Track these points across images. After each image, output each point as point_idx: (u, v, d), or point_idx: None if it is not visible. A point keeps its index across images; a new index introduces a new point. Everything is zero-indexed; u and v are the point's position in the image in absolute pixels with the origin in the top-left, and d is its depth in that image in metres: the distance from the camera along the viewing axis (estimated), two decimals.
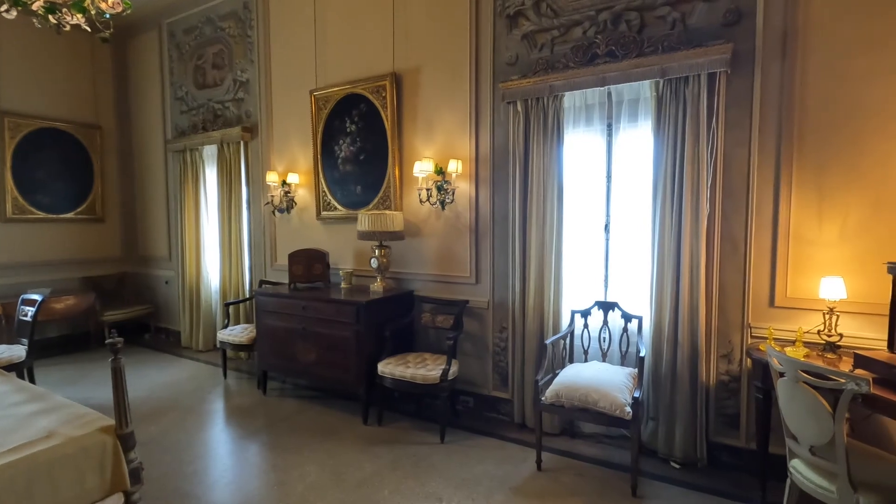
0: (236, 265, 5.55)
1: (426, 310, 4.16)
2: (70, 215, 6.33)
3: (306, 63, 4.90)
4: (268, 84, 5.26)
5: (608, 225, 3.54)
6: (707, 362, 3.13)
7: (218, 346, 5.05)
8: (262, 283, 5.21)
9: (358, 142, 4.58)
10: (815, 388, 2.15)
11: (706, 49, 2.95)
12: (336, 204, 4.78)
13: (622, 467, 3.10)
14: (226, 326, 5.09)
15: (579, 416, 3.07)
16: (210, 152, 5.80)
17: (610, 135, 3.49)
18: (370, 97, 4.42)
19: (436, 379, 3.53)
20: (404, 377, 3.60)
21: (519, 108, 3.62)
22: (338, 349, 3.97)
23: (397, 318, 4.11)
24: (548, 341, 3.37)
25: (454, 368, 3.70)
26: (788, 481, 2.42)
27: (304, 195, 5.07)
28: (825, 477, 2.19)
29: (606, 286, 3.59)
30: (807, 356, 2.62)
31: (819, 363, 2.39)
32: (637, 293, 3.43)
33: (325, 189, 4.84)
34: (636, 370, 3.16)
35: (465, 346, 4.08)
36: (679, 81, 3.08)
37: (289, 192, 5.08)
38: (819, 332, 2.74)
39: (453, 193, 4.02)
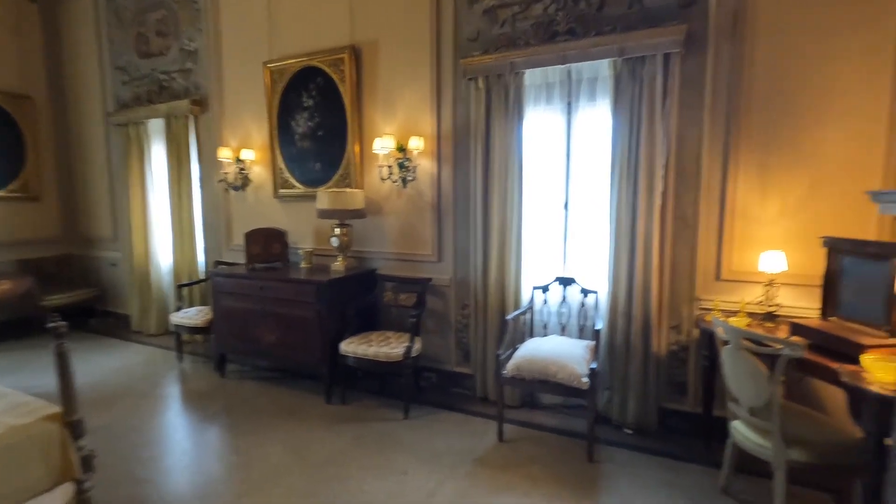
0: (189, 245, 5.32)
1: (389, 288, 4.15)
2: (1, 193, 5.87)
3: (259, 33, 4.67)
4: (218, 54, 4.98)
5: (567, 203, 3.62)
6: (658, 334, 3.28)
7: (172, 329, 4.87)
8: (217, 263, 5.04)
9: (316, 117, 4.44)
10: (755, 354, 2.30)
11: (662, 29, 3.01)
12: (294, 181, 4.64)
13: (579, 435, 3.24)
14: (179, 309, 4.91)
15: (539, 388, 3.17)
16: (157, 126, 5.48)
17: (569, 113, 3.53)
18: (328, 71, 4.28)
19: (399, 356, 3.55)
20: (367, 355, 3.60)
21: (480, 85, 3.60)
22: (299, 329, 3.91)
23: (359, 297, 4.08)
24: (509, 317, 3.44)
25: (417, 346, 3.73)
26: (729, 441, 2.61)
27: (259, 172, 4.89)
28: (761, 435, 2.37)
29: (565, 262, 3.68)
30: (748, 325, 2.80)
31: (759, 332, 2.56)
32: (594, 269, 3.54)
33: (283, 166, 4.68)
34: (593, 343, 3.28)
35: (428, 324, 4.11)
36: (636, 61, 3.14)
37: (243, 170, 4.88)
38: (760, 302, 2.93)
39: (415, 171, 3.98)
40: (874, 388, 1.91)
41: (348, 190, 4.11)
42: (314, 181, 4.52)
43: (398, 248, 4.21)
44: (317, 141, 4.47)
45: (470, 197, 3.78)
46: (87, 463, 2.29)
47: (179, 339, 4.83)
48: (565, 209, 3.63)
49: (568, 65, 3.36)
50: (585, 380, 2.90)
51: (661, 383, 3.34)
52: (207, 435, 3.38)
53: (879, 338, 2.24)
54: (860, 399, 2.00)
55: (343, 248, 4.16)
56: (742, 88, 3.00)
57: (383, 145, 3.90)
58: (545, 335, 3.57)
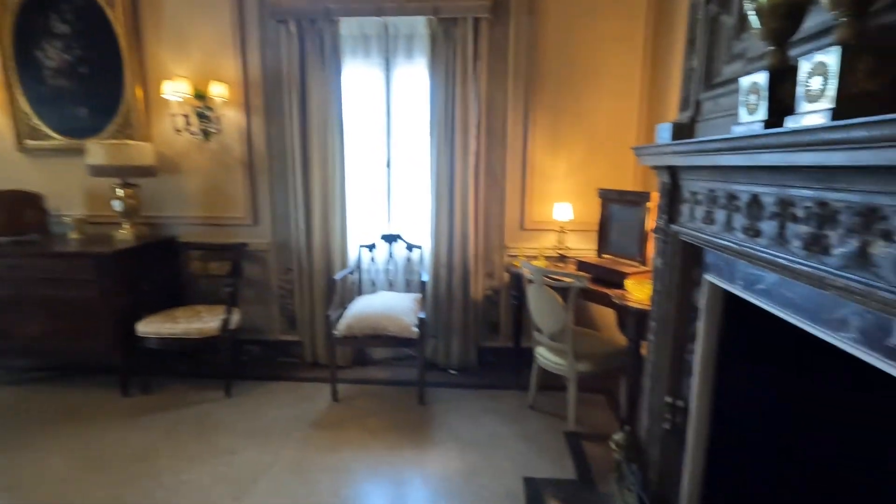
0: None
1: (195, 257, 3.65)
2: None
3: None
4: None
5: (389, 160, 3.64)
6: (475, 281, 3.62)
7: None
8: None
9: (75, 48, 3.52)
10: (553, 288, 2.72)
11: None
12: (48, 131, 3.65)
13: (411, 383, 3.42)
14: None
15: (372, 343, 3.23)
16: None
17: (388, 69, 3.50)
18: None
19: (215, 330, 3.20)
20: (175, 334, 3.15)
21: (292, 30, 3.30)
22: (76, 314, 3.19)
23: (157, 269, 3.50)
24: (337, 277, 3.38)
25: (236, 317, 3.40)
26: (535, 365, 3.06)
27: None
28: (559, 355, 2.84)
29: (390, 220, 3.74)
30: (546, 266, 3.27)
31: (557, 270, 3.02)
32: (418, 224, 3.68)
33: (28, 110, 3.63)
34: (420, 295, 3.45)
35: (247, 293, 3.77)
36: (450, 22, 3.25)
37: None
38: (554, 247, 3.44)
39: (219, 122, 3.51)
40: (633, 305, 2.44)
41: (131, 142, 3.42)
42: (80, 131, 3.62)
43: (204, 212, 3.71)
44: (79, 80, 3.56)
45: (287, 153, 3.51)
46: None
47: None
48: (388, 167, 3.65)
49: (385, 18, 3.31)
50: (415, 329, 3.05)
51: (478, 325, 3.71)
52: None
53: (636, 267, 2.86)
54: (625, 314, 2.54)
55: (130, 212, 3.49)
56: (538, 58, 3.37)
57: (176, 90, 3.32)
58: (374, 292, 3.61)
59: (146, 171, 3.45)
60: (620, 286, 2.70)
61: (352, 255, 3.67)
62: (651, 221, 2.74)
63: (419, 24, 3.36)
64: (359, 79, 3.53)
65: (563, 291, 2.71)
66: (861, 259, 0.94)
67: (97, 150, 3.27)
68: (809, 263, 1.08)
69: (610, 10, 3.27)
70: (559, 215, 3.37)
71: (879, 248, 0.90)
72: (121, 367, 3.26)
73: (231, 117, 3.54)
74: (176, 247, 3.70)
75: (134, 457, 2.60)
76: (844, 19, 0.91)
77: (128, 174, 3.38)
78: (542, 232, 3.56)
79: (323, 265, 3.61)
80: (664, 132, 1.84)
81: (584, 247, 3.47)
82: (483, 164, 3.48)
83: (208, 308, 3.48)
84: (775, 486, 1.79)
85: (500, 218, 3.60)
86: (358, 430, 2.87)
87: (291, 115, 3.43)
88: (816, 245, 1.06)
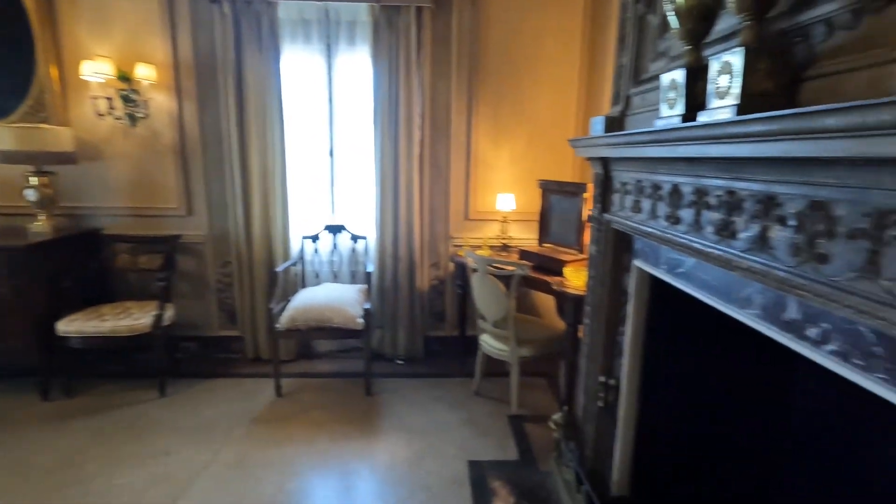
0: None
1: (123, 250, 3.43)
2: None
3: None
4: None
5: (332, 149, 3.57)
6: (421, 271, 3.64)
7: None
8: None
9: None
10: (496, 277, 2.79)
11: None
12: None
13: (357, 374, 3.39)
14: None
15: (316, 336, 3.18)
16: None
17: (330, 56, 3.42)
18: None
19: (147, 327, 3.03)
20: (101, 332, 2.95)
21: (226, 10, 3.15)
22: None
23: (80, 264, 3.26)
24: (278, 269, 3.29)
25: (169, 313, 3.24)
26: (479, 352, 3.14)
27: None
28: (502, 341, 2.92)
29: (334, 210, 3.68)
30: (490, 255, 3.34)
31: (500, 259, 3.09)
32: (363, 215, 3.64)
33: None
34: (365, 286, 3.42)
35: (182, 287, 3.59)
36: (392, 10, 3.22)
37: None
38: (497, 236, 3.52)
39: (147, 107, 3.30)
40: (571, 291, 2.55)
41: (46, 126, 3.15)
42: None
43: (133, 202, 3.48)
44: None
45: (224, 141, 3.37)
46: None
47: None
48: (331, 156, 3.58)
49: (326, 2, 3.23)
50: (360, 320, 3.03)
51: (424, 315, 3.74)
52: None
53: (574, 255, 2.98)
54: (563, 300, 2.65)
55: (46, 203, 3.22)
56: (480, 49, 3.41)
57: (96, 71, 3.09)
58: (318, 284, 3.55)
59: (64, 158, 3.19)
60: (560, 274, 2.81)
61: (295, 247, 3.59)
62: (587, 211, 2.86)
63: (362, 11, 3.31)
64: (299, 65, 3.43)
65: (505, 280, 2.79)
66: (761, 242, 1.04)
67: (5, 134, 2.99)
68: (720, 247, 1.19)
69: (550, 2, 3.36)
70: (502, 206, 3.44)
71: (776, 232, 1.00)
72: (40, 369, 3.02)
73: (160, 101, 3.33)
74: (101, 240, 3.45)
75: (60, 463, 2.43)
76: (748, 23, 1.00)
77: (42, 161, 3.12)
78: (486, 222, 3.63)
79: (264, 257, 3.50)
80: (597, 125, 1.92)
81: (526, 236, 3.57)
82: (427, 155, 3.49)
83: (139, 304, 3.29)
84: (697, 454, 1.94)
85: (444, 208, 3.64)
86: (303, 424, 2.83)
87: (227, 101, 3.28)
88: (726, 230, 1.16)
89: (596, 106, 3.30)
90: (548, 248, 3.24)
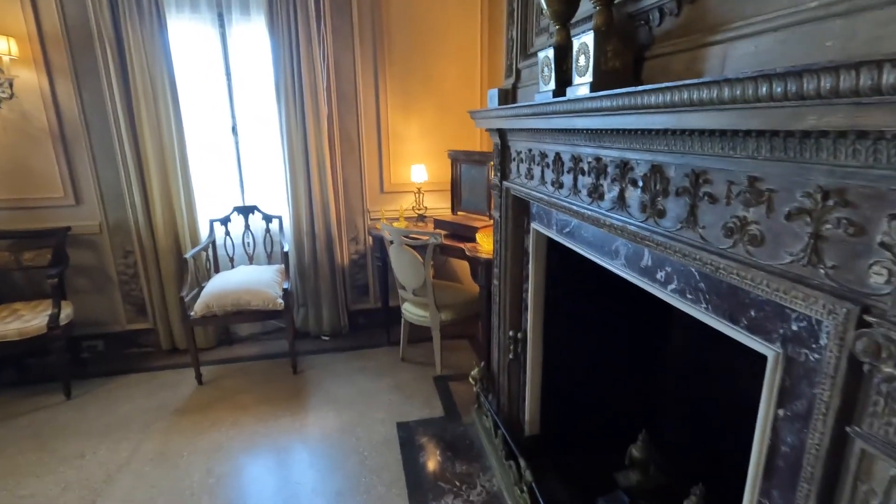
0: None
1: (2, 248, 3.10)
2: None
3: None
4: None
5: (235, 127, 3.42)
6: (340, 247, 3.64)
7: None
8: None
9: None
10: (412, 247, 2.88)
11: None
12: None
13: (282, 354, 3.39)
14: None
15: (235, 320, 3.12)
16: None
17: (223, 26, 3.23)
18: None
19: (42, 328, 2.80)
20: None
21: None
22: None
23: None
24: (187, 255, 3.15)
25: (67, 311, 3.01)
26: (402, 321, 3.25)
27: None
28: (423, 308, 3.05)
29: (243, 190, 3.55)
30: (407, 226, 3.42)
31: (414, 230, 3.18)
32: (274, 194, 3.55)
33: None
34: (283, 266, 3.38)
35: (79, 283, 3.33)
36: None
37: None
38: (413, 208, 3.59)
39: (11, 86, 2.94)
40: (483, 256, 2.71)
41: None
42: None
43: (6, 193, 3.13)
44: None
45: (110, 121, 3.10)
46: None
47: None
48: (234, 134, 3.43)
49: None
50: (280, 301, 3.01)
51: (347, 290, 3.77)
52: None
53: (485, 221, 3.14)
54: (476, 264, 2.81)
55: None
56: (383, 20, 3.38)
57: None
58: (232, 268, 3.44)
59: None
60: (473, 240, 2.95)
61: (203, 231, 3.44)
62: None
63: None
64: (190, 37, 3.20)
65: (421, 249, 2.89)
66: (621, 202, 1.21)
67: None
68: (591, 208, 1.35)
69: None
70: (416, 177, 3.51)
71: (630, 193, 1.17)
72: None
73: (27, 79, 2.99)
74: None
75: None
76: (598, 7, 1.13)
77: None
78: (401, 194, 3.69)
79: (170, 244, 3.32)
80: (493, 98, 2.03)
81: (440, 206, 3.68)
82: (337, 129, 3.45)
83: (29, 305, 3.03)
84: (594, 391, 2.20)
85: (359, 182, 3.64)
86: (228, 409, 2.80)
87: (110, 78, 3.01)
88: (596, 192, 1.33)
89: (497, 77, 3.41)
90: (461, 216, 3.37)
